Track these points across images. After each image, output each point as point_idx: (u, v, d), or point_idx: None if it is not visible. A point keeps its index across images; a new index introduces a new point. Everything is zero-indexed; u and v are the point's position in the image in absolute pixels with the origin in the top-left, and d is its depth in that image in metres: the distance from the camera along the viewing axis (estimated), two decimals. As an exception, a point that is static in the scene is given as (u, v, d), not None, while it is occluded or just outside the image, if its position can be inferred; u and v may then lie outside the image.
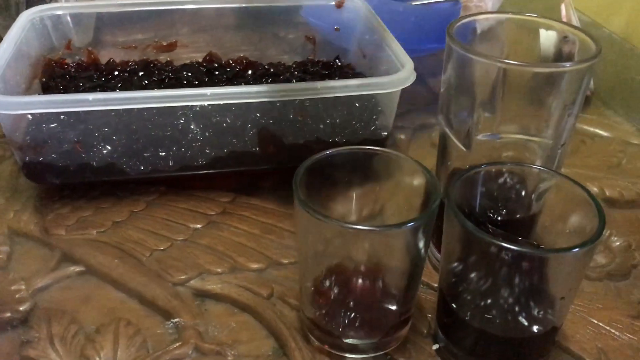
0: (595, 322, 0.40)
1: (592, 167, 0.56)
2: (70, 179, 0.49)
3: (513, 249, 0.31)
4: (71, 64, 0.59)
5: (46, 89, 0.55)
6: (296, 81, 0.57)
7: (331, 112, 0.50)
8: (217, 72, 0.59)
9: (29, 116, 0.47)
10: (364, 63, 0.60)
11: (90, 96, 0.45)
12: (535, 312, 0.35)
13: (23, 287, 0.41)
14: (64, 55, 0.60)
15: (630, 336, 0.39)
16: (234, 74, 0.59)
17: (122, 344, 0.38)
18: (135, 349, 0.38)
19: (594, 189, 0.52)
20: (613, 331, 0.40)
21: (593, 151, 0.59)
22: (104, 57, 0.60)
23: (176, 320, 0.40)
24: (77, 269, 0.43)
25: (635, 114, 0.65)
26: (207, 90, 0.46)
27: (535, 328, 0.35)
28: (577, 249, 0.31)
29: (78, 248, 0.45)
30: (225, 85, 0.57)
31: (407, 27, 0.64)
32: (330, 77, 0.59)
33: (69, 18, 0.60)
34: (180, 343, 0.38)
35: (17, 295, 0.41)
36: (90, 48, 0.61)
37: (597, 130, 0.62)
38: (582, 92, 0.36)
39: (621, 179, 0.54)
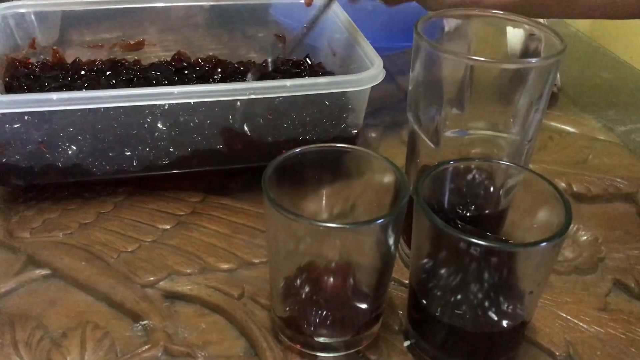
0: (564, 315, 0.41)
1: (560, 163, 0.57)
2: (35, 180, 0.48)
3: (481, 244, 0.31)
4: (36, 64, 0.58)
5: (9, 89, 0.53)
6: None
7: (301, 111, 0.50)
8: (186, 72, 0.59)
9: (-9, 116, 0.46)
10: (334, 61, 0.59)
11: (55, 95, 0.44)
12: (505, 307, 0.35)
13: (-14, 292, 0.40)
14: (28, 55, 0.58)
15: (598, 329, 0.40)
16: (203, 73, 0.58)
17: (89, 347, 0.37)
18: (103, 353, 0.37)
19: (562, 184, 0.53)
20: (581, 324, 0.40)
21: (561, 147, 0.59)
22: (70, 56, 0.59)
23: (145, 322, 0.39)
24: (43, 272, 0.42)
25: (602, 110, 0.66)
26: (175, 89, 0.45)
27: (504, 322, 0.35)
28: (544, 244, 0.31)
29: (43, 251, 0.44)
30: (195, 84, 0.57)
31: (377, 25, 0.64)
32: (300, 75, 0.58)
33: (33, 16, 0.59)
34: (149, 345, 0.37)
35: (-21, 301, 0.40)
36: (55, 47, 0.59)
37: (565, 127, 0.62)
38: (548, 87, 0.37)
39: (588, 174, 0.55)
